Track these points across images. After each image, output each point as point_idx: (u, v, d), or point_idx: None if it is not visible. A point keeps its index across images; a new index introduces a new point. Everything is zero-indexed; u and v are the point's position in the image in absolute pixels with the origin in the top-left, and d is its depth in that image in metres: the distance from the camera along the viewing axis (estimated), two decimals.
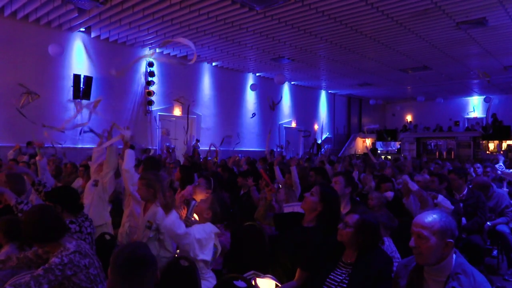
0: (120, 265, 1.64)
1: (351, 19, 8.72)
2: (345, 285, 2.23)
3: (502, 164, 6.89)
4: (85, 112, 9.83)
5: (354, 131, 21.93)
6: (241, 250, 3.51)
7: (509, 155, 15.67)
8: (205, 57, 12.76)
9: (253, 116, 15.31)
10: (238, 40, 10.58)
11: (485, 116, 19.76)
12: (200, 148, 12.36)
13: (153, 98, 11.87)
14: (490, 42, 10.43)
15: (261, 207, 3.18)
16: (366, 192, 5.50)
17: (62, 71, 10.08)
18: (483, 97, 18.62)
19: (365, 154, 17.17)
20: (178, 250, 2.96)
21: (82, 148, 10.04)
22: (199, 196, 3.77)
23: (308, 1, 7.75)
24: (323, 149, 18.40)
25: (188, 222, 2.88)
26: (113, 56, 10.74)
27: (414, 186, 3.65)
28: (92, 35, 10.31)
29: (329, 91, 19.94)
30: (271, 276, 2.64)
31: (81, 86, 10.05)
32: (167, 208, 2.58)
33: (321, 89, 19.32)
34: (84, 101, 9.73)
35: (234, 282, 2.33)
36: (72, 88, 9.96)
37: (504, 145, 17.52)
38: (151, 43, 11.00)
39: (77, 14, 8.77)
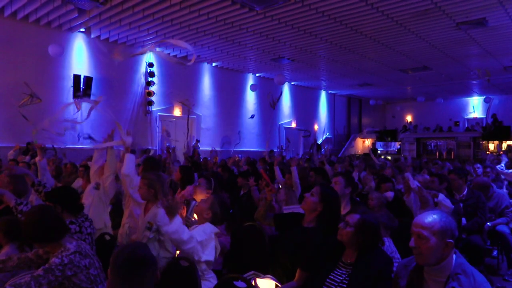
0: (120, 265, 1.64)
1: (351, 19, 8.72)
2: (345, 285, 2.23)
3: (503, 165, 6.88)
4: (85, 111, 9.87)
5: (354, 132, 21.93)
6: (241, 250, 3.51)
7: (509, 155, 15.66)
8: (205, 58, 12.77)
9: (252, 117, 15.31)
10: (238, 41, 10.59)
11: (485, 116, 19.78)
12: (200, 149, 12.37)
13: (153, 98, 11.87)
14: (490, 43, 10.43)
15: (261, 207, 3.18)
16: (366, 192, 5.50)
17: (62, 71, 10.09)
18: (483, 97, 18.63)
19: (365, 154, 17.20)
20: (178, 251, 2.95)
21: (82, 148, 10.04)
22: (200, 196, 3.78)
23: (308, 2, 7.75)
24: (323, 149, 18.40)
25: (188, 222, 2.89)
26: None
27: (413, 183, 3.65)
28: (92, 35, 10.32)
29: (329, 92, 19.95)
30: (271, 276, 2.64)
31: (81, 86, 10.05)
32: (171, 213, 2.59)
33: (321, 89, 19.32)
34: (84, 100, 9.73)
35: (234, 282, 2.33)
36: (72, 89, 9.96)
37: (504, 145, 17.51)
38: (151, 43, 10.99)
39: (77, 15, 8.78)
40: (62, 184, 5.38)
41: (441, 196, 3.53)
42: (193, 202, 3.94)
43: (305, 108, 18.28)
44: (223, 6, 8.09)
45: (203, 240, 2.65)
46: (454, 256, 1.93)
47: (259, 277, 2.62)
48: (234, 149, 14.13)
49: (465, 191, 4.75)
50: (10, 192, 3.31)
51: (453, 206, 3.59)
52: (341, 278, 2.26)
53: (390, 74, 14.59)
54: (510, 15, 8.34)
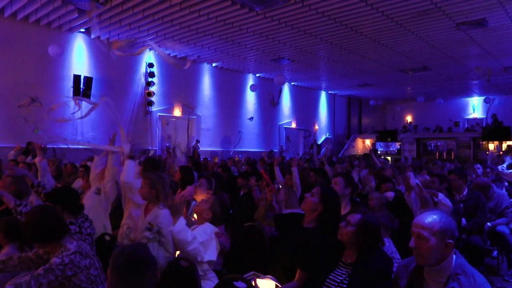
0: (120, 265, 1.64)
1: (351, 19, 8.73)
2: (345, 286, 2.23)
3: (504, 166, 6.88)
4: (85, 110, 9.88)
5: (354, 132, 21.94)
6: (241, 250, 3.51)
7: (509, 155, 15.64)
8: (205, 58, 12.77)
9: (251, 120, 15.30)
10: (238, 41, 10.59)
11: (485, 117, 19.79)
12: (200, 149, 12.37)
13: (153, 98, 11.88)
14: (490, 43, 10.44)
15: (261, 207, 3.18)
16: (366, 192, 5.50)
17: (62, 71, 10.10)
18: (483, 97, 18.63)
19: (365, 154, 17.19)
20: (178, 251, 2.95)
21: (82, 149, 10.03)
22: (200, 196, 3.78)
23: (308, 2, 7.76)
24: (323, 149, 18.41)
25: (188, 223, 2.89)
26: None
27: (413, 181, 3.65)
28: (92, 35, 10.32)
29: (329, 92, 19.95)
30: (271, 276, 2.64)
31: (81, 86, 10.05)
32: (175, 213, 2.60)
33: (321, 89, 19.33)
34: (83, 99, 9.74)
35: (234, 282, 2.33)
36: (72, 89, 9.96)
37: (504, 145, 17.51)
38: (146, 45, 10.98)
39: (77, 15, 8.78)
40: (62, 185, 5.37)
41: (441, 196, 3.53)
42: (193, 202, 3.94)
43: (305, 108, 18.28)
44: (223, 7, 8.10)
45: (204, 240, 2.65)
46: (454, 256, 1.93)
47: (259, 277, 2.62)
48: (234, 149, 14.14)
49: (465, 192, 4.75)
50: (12, 192, 3.32)
51: (452, 205, 3.59)
52: (341, 278, 2.26)
53: (390, 74, 14.59)
54: (510, 15, 8.35)
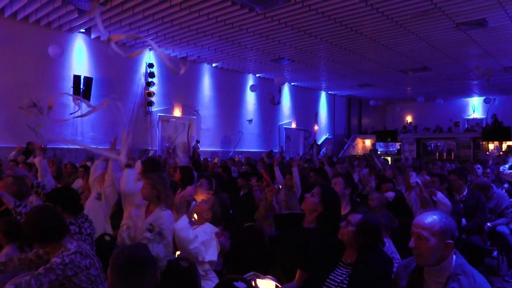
0: (120, 266, 1.64)
1: (351, 20, 8.73)
2: (345, 286, 2.23)
3: (506, 166, 6.89)
4: (85, 110, 9.87)
5: (354, 132, 21.95)
6: (241, 250, 3.51)
7: (509, 155, 15.65)
8: (205, 58, 12.77)
9: (250, 122, 15.30)
10: (238, 41, 10.59)
11: (485, 117, 19.79)
12: (200, 149, 12.37)
13: (153, 99, 11.88)
14: (490, 43, 10.44)
15: (261, 207, 3.18)
16: (366, 193, 5.49)
17: (62, 71, 10.10)
18: (483, 98, 18.64)
19: (365, 154, 17.20)
20: (178, 252, 2.95)
21: (82, 149, 10.04)
22: (201, 197, 3.77)
23: (308, 2, 7.76)
24: (324, 149, 18.42)
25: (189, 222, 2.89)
26: (114, 57, 10.74)
27: (414, 180, 3.65)
28: (92, 36, 10.32)
29: (329, 92, 19.96)
30: (271, 277, 2.64)
31: (81, 87, 10.06)
32: (179, 211, 2.60)
33: (321, 90, 19.33)
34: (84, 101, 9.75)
35: (234, 283, 2.33)
36: (72, 89, 9.96)
37: (504, 146, 17.51)
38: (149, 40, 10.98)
39: (77, 15, 8.78)
40: (62, 185, 5.37)
41: (440, 195, 3.54)
42: (193, 203, 3.94)
43: (305, 108, 18.29)
44: (223, 7, 8.10)
45: (205, 240, 2.65)
46: (454, 256, 1.93)
47: (259, 277, 2.62)
48: (235, 150, 14.14)
49: (465, 192, 4.75)
50: (14, 193, 3.33)
51: (451, 204, 3.60)
52: (341, 278, 2.26)
53: (390, 74, 14.59)
54: (510, 15, 8.35)
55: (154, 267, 1.71)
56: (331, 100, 20.38)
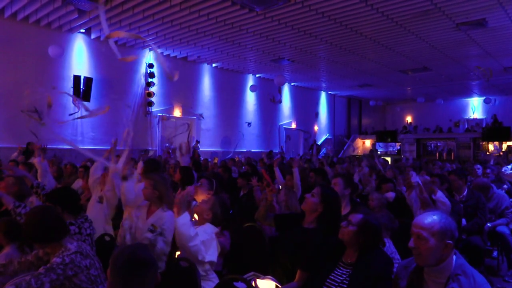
0: (120, 266, 1.64)
1: (351, 20, 8.73)
2: (345, 286, 2.23)
3: (509, 167, 6.91)
4: (84, 111, 9.85)
5: (354, 132, 21.95)
6: (241, 251, 3.51)
7: (509, 156, 15.67)
8: (205, 58, 12.78)
9: (249, 125, 15.28)
10: (238, 41, 10.59)
11: (485, 117, 19.80)
12: (200, 149, 12.37)
13: (153, 99, 11.88)
14: (490, 43, 10.44)
15: (262, 207, 3.18)
16: (366, 193, 5.49)
17: (62, 72, 10.10)
18: (483, 98, 18.64)
19: (365, 155, 17.19)
20: (178, 252, 2.95)
21: (81, 149, 10.03)
22: (201, 197, 3.77)
23: (308, 2, 7.76)
24: (324, 150, 18.43)
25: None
26: (114, 57, 10.73)
27: (415, 179, 3.65)
28: (92, 36, 10.33)
29: (329, 92, 19.96)
30: (271, 277, 2.64)
31: (81, 87, 10.06)
32: (182, 207, 2.61)
33: (321, 90, 19.33)
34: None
35: (234, 283, 2.33)
36: (72, 89, 9.96)
37: (504, 146, 17.52)
38: (151, 44, 11.00)
39: (77, 16, 8.78)
40: (62, 185, 5.37)
41: (439, 194, 3.54)
42: (193, 203, 3.94)
43: (305, 109, 18.30)
44: (223, 7, 8.10)
45: (205, 240, 2.65)
46: (454, 257, 1.92)
47: (259, 277, 2.62)
48: (235, 150, 14.14)
49: (465, 192, 4.75)
50: (15, 193, 3.33)
51: (450, 204, 3.60)
52: (342, 279, 2.26)
53: (390, 75, 14.59)
54: (510, 16, 8.35)
55: (154, 267, 1.71)
56: (331, 100, 20.38)
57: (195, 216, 3.04)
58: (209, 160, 10.23)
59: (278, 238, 3.15)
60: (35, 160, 4.67)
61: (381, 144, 20.69)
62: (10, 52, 9.18)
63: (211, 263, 2.69)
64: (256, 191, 4.91)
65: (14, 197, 3.32)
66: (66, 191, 3.11)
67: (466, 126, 19.96)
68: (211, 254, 2.67)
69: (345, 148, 20.57)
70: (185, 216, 2.60)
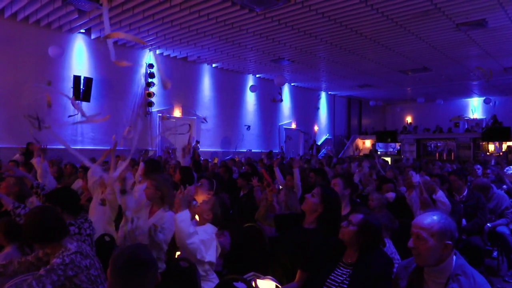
0: (121, 267, 1.63)
1: (351, 20, 8.73)
2: (345, 286, 2.23)
3: (511, 167, 6.92)
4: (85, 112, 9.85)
5: (354, 133, 21.95)
6: (241, 251, 3.51)
7: (509, 156, 15.69)
8: (205, 59, 12.78)
9: (248, 129, 15.27)
10: (238, 42, 10.59)
11: (485, 117, 19.80)
12: (200, 149, 12.37)
13: (153, 99, 11.88)
14: (490, 44, 10.44)
15: (262, 207, 3.19)
16: (366, 193, 5.49)
17: (62, 72, 10.10)
18: (483, 98, 18.65)
19: (365, 155, 17.20)
20: (178, 252, 2.95)
21: (81, 149, 10.03)
22: (201, 197, 3.77)
23: (308, 3, 7.76)
24: (324, 150, 18.43)
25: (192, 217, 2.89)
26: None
27: (416, 179, 3.65)
28: (92, 36, 10.33)
29: (329, 93, 19.96)
30: (271, 277, 2.64)
31: (81, 87, 10.05)
32: (183, 204, 2.62)
33: (321, 90, 19.34)
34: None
35: (234, 283, 2.33)
36: (72, 89, 9.96)
37: (504, 146, 17.52)
38: (152, 44, 11.01)
39: (77, 16, 8.78)
40: (62, 185, 5.37)
41: (440, 193, 3.54)
42: (193, 203, 3.94)
43: (305, 109, 18.30)
44: (223, 7, 8.10)
45: (205, 239, 2.65)
46: (454, 257, 1.92)
47: (259, 278, 2.62)
48: (235, 150, 14.14)
49: (465, 192, 4.75)
50: (16, 193, 3.33)
51: (450, 204, 3.60)
52: (342, 279, 2.26)
53: (390, 75, 14.60)
54: (510, 16, 8.35)
55: (154, 267, 1.71)
56: (331, 101, 20.38)
57: (196, 217, 3.05)
58: (209, 160, 10.23)
59: (278, 238, 3.15)
60: (34, 161, 4.66)
61: (381, 144, 20.69)
62: (10, 52, 9.18)
63: (210, 263, 2.69)
64: (257, 191, 4.90)
65: (15, 197, 3.33)
66: (65, 191, 3.11)
67: (466, 126, 19.97)
68: (211, 254, 2.67)
69: (345, 148, 20.57)
70: (185, 213, 2.61)
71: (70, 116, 8.75)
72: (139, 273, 1.64)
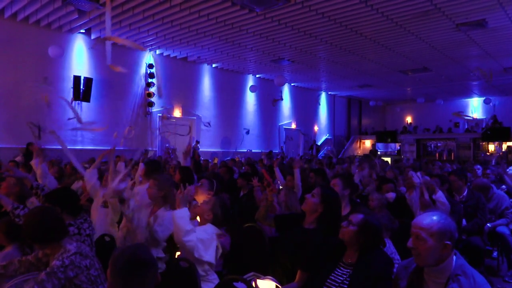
0: (121, 267, 1.63)
1: (351, 20, 8.73)
2: (345, 286, 2.23)
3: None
4: (85, 113, 9.87)
5: (354, 133, 21.95)
6: (241, 251, 3.51)
7: (509, 156, 15.69)
8: (205, 59, 12.78)
9: (247, 133, 15.26)
10: (238, 42, 10.59)
11: (484, 117, 19.81)
12: (200, 150, 12.37)
13: (153, 99, 11.88)
14: (490, 44, 10.44)
15: (262, 207, 3.19)
16: (366, 193, 5.49)
17: (62, 72, 10.10)
18: (483, 98, 18.65)
19: (365, 155, 17.20)
20: (178, 252, 2.95)
21: (81, 149, 10.04)
22: (201, 197, 3.77)
23: (308, 3, 7.77)
24: (324, 150, 18.43)
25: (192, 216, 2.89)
26: (114, 58, 10.72)
27: (416, 179, 3.65)
28: (92, 36, 10.32)
29: (329, 93, 19.96)
30: (271, 277, 2.64)
31: (81, 87, 10.05)
32: (183, 202, 2.64)
33: (321, 90, 19.34)
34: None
35: (234, 283, 2.33)
36: (72, 90, 9.96)
37: (504, 146, 17.52)
38: (152, 44, 11.02)
39: (77, 16, 8.79)
40: (61, 186, 5.36)
41: (439, 194, 3.53)
42: (193, 203, 3.94)
43: (305, 109, 18.30)
44: (223, 8, 8.10)
45: (204, 239, 2.65)
46: (454, 257, 1.92)
47: (259, 278, 2.62)
48: (235, 151, 14.15)
49: (465, 192, 4.75)
50: (16, 193, 3.33)
51: (449, 205, 3.60)
52: (342, 279, 2.26)
53: (390, 75, 14.60)
54: (510, 16, 8.35)
55: (154, 268, 1.71)
56: (331, 101, 20.38)
57: (197, 218, 3.05)
58: (209, 160, 10.23)
59: (278, 238, 3.15)
60: (32, 162, 4.64)
61: (381, 144, 20.68)
62: (10, 52, 9.18)
63: (209, 264, 2.68)
64: (257, 191, 4.90)
65: (15, 198, 3.33)
66: (65, 192, 3.11)
67: (466, 127, 19.97)
68: (210, 254, 2.66)
69: (345, 148, 20.57)
70: (183, 211, 2.62)
71: (69, 119, 8.74)
72: (139, 273, 1.64)
